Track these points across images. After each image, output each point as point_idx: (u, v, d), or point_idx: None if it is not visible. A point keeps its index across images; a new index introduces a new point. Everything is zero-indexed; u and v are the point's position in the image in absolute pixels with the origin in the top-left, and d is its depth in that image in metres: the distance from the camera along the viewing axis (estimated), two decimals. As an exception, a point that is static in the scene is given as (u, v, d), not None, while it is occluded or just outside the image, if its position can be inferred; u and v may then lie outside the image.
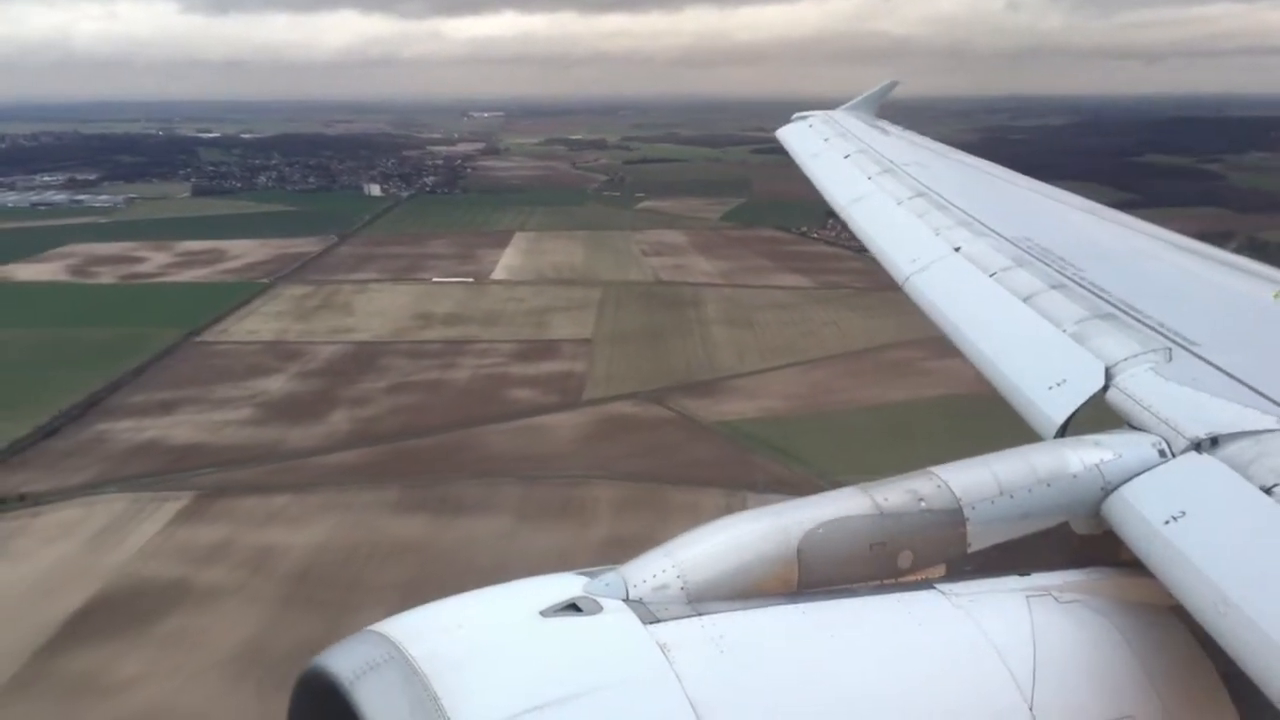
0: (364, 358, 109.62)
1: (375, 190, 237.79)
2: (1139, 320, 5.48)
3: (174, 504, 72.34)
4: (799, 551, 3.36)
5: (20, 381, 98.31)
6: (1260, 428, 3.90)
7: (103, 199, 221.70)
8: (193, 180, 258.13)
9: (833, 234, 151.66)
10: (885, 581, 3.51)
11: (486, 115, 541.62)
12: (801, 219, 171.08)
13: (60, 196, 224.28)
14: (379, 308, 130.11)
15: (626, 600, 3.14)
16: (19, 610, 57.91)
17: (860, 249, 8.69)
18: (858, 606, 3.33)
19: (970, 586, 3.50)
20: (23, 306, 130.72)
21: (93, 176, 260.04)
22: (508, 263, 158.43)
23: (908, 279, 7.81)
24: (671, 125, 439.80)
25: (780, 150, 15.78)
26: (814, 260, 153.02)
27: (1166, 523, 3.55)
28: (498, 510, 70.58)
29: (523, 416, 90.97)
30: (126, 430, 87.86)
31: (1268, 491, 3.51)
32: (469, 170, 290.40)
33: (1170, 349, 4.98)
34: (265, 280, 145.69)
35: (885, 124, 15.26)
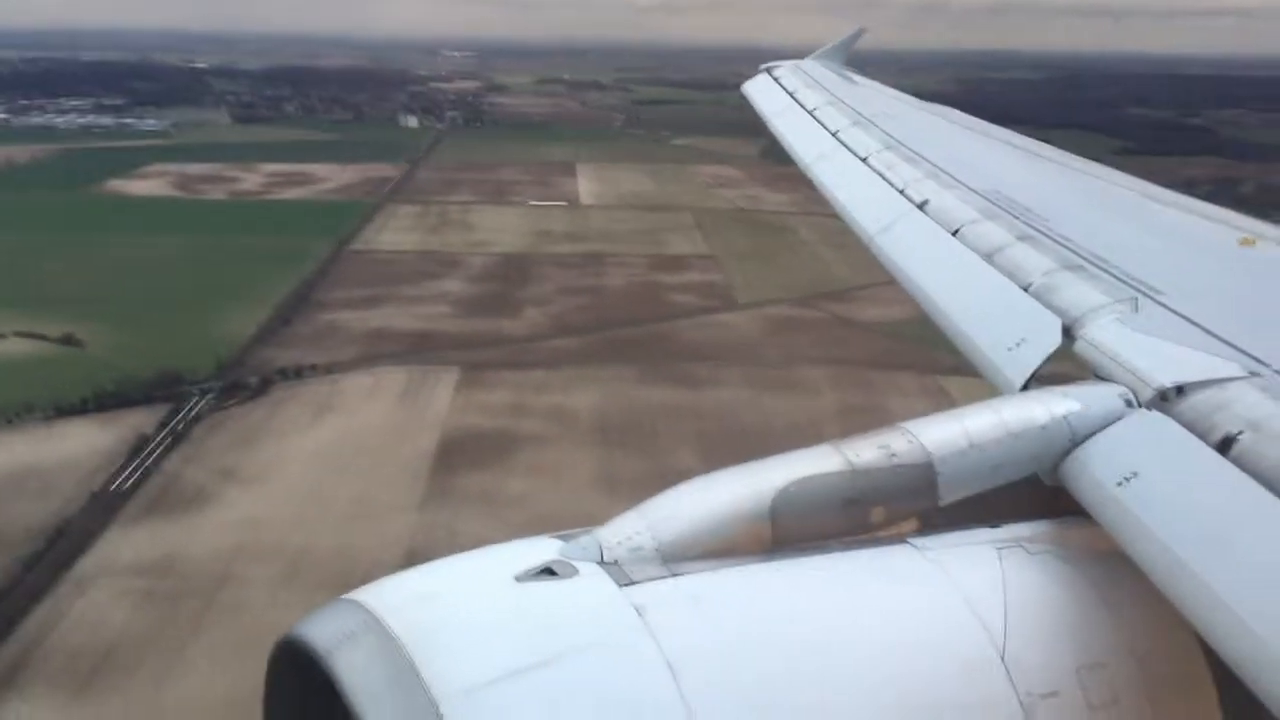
0: (516, 266, 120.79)
1: (412, 122, 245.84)
2: (1106, 271, 5.47)
3: (448, 375, 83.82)
4: (772, 509, 3.41)
5: (222, 277, 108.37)
6: (1223, 375, 3.98)
7: (149, 123, 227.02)
8: (224, 108, 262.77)
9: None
10: (859, 537, 3.56)
11: (459, 55, 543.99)
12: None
13: (107, 120, 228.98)
14: (497, 225, 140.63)
15: (601, 563, 3.17)
16: (388, 449, 69.60)
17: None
18: (831, 562, 3.40)
19: (942, 540, 3.57)
20: (159, 216, 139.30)
21: (119, 102, 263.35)
22: (588, 189, 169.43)
23: (872, 238, 7.76)
24: (649, 69, 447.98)
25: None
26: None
27: (1119, 484, 3.61)
28: (731, 385, 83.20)
29: (697, 315, 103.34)
30: (352, 320, 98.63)
31: (1223, 448, 3.59)
32: (485, 105, 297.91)
33: (1136, 299, 5.00)
34: (371, 200, 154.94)
35: (853, 74, 15.20)
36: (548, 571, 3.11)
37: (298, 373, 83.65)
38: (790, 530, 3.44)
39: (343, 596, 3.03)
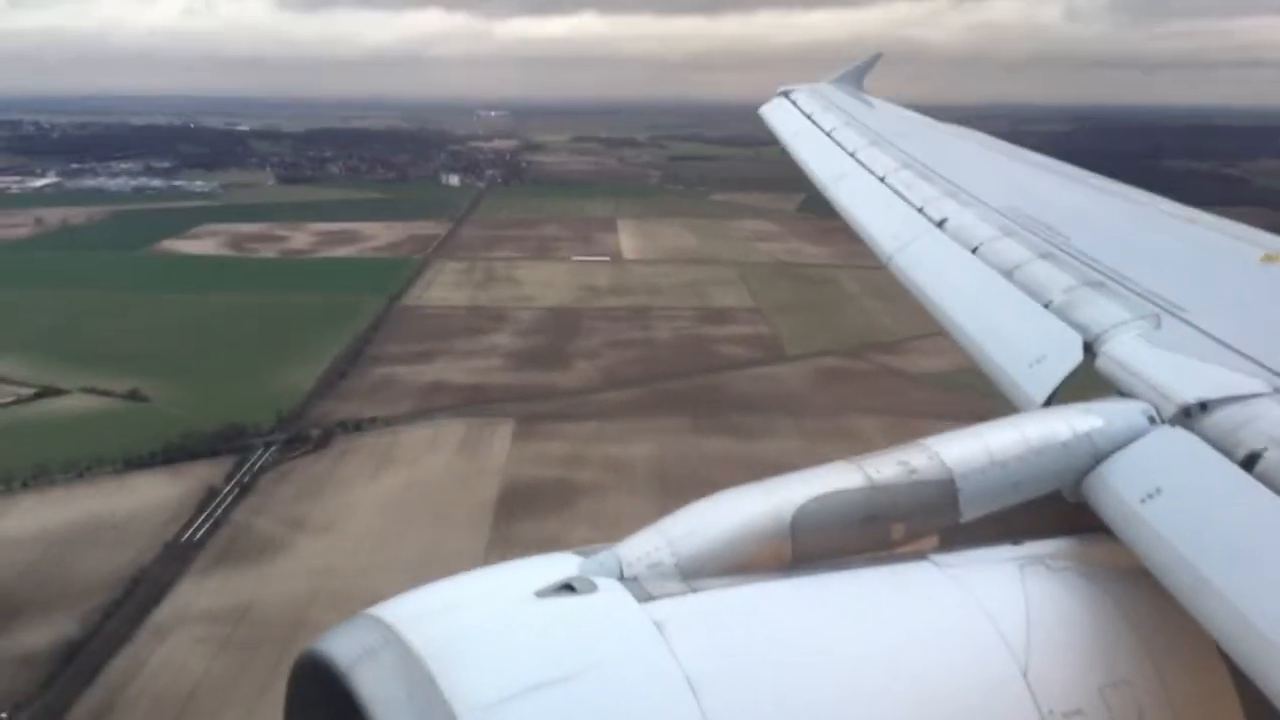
0: (563, 320, 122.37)
1: (454, 181, 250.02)
2: (1127, 288, 5.44)
3: (504, 427, 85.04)
4: (792, 526, 3.38)
5: (278, 333, 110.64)
6: (1247, 392, 3.95)
7: (198, 185, 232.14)
8: (269, 169, 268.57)
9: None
10: (879, 554, 3.54)
11: (494, 114, 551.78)
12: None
13: (157, 182, 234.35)
14: (542, 280, 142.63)
15: (621, 579, 3.15)
16: (451, 498, 70.66)
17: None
18: (851, 579, 3.38)
19: (963, 557, 3.55)
20: (213, 275, 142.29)
21: (167, 164, 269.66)
22: (630, 245, 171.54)
23: (891, 257, 7.71)
24: (682, 126, 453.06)
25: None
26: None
27: (1142, 501, 3.59)
28: (785, 435, 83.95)
29: (746, 367, 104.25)
30: (406, 374, 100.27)
31: (1248, 464, 3.55)
32: (523, 164, 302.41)
33: (1159, 315, 4.98)
34: (418, 257, 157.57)
35: (870, 97, 15.20)
36: (567, 587, 3.09)
37: (358, 425, 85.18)
38: (810, 547, 3.43)
39: (363, 612, 3.05)
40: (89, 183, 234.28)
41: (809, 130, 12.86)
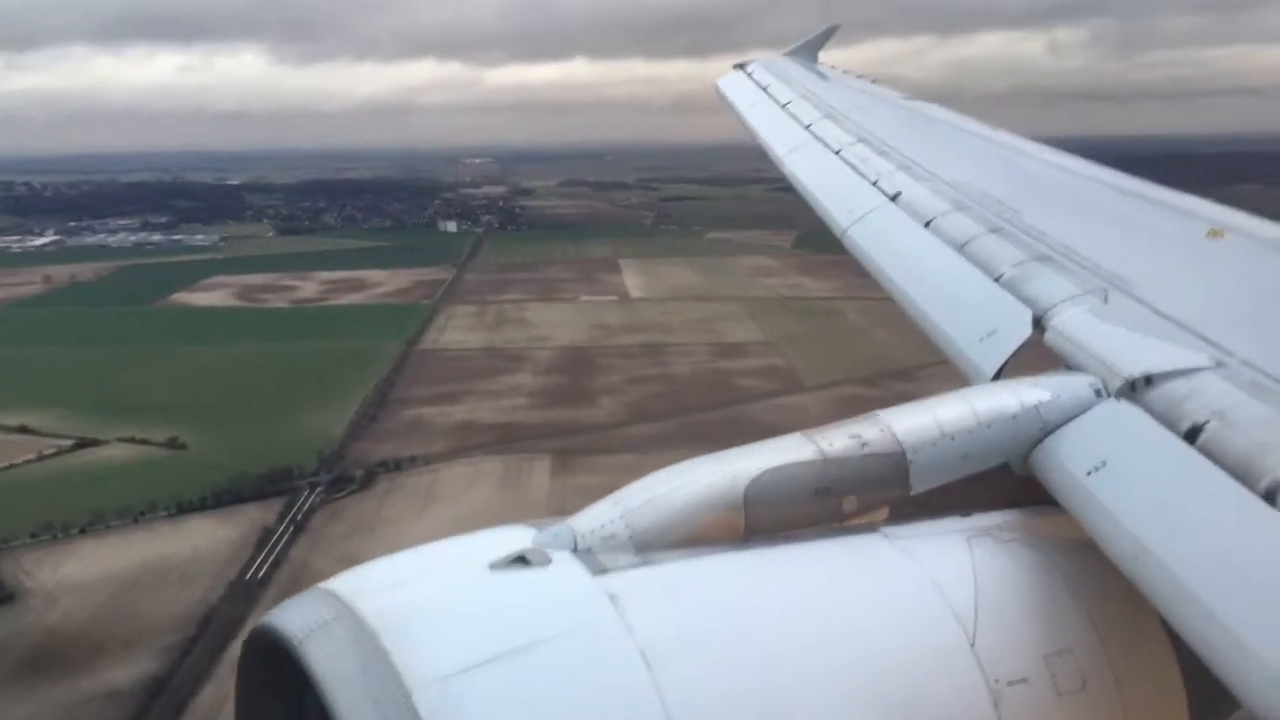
0: (580, 359, 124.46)
1: (451, 227, 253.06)
2: (1076, 262, 5.47)
3: (541, 463, 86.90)
4: (745, 498, 3.38)
5: (301, 379, 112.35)
6: (1191, 366, 3.96)
7: (198, 238, 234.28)
8: (266, 221, 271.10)
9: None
10: (831, 526, 3.56)
11: (479, 161, 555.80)
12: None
13: (157, 237, 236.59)
14: (554, 321, 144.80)
15: (575, 551, 3.17)
16: (500, 531, 72.14)
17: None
18: (803, 551, 3.40)
19: (913, 529, 3.59)
20: (228, 325, 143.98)
21: (163, 219, 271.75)
22: (635, 283, 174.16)
23: (845, 231, 7.64)
24: (669, 168, 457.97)
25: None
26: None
27: (1089, 473, 3.63)
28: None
29: (766, 398, 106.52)
30: (435, 415, 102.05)
31: (1190, 437, 3.57)
32: (517, 209, 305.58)
33: (1106, 290, 5.02)
34: (427, 302, 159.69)
35: (825, 69, 15.08)
36: (521, 560, 3.11)
37: (397, 465, 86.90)
38: (763, 519, 3.45)
39: (315, 585, 3.04)
40: (90, 240, 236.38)
41: (764, 102, 12.80)
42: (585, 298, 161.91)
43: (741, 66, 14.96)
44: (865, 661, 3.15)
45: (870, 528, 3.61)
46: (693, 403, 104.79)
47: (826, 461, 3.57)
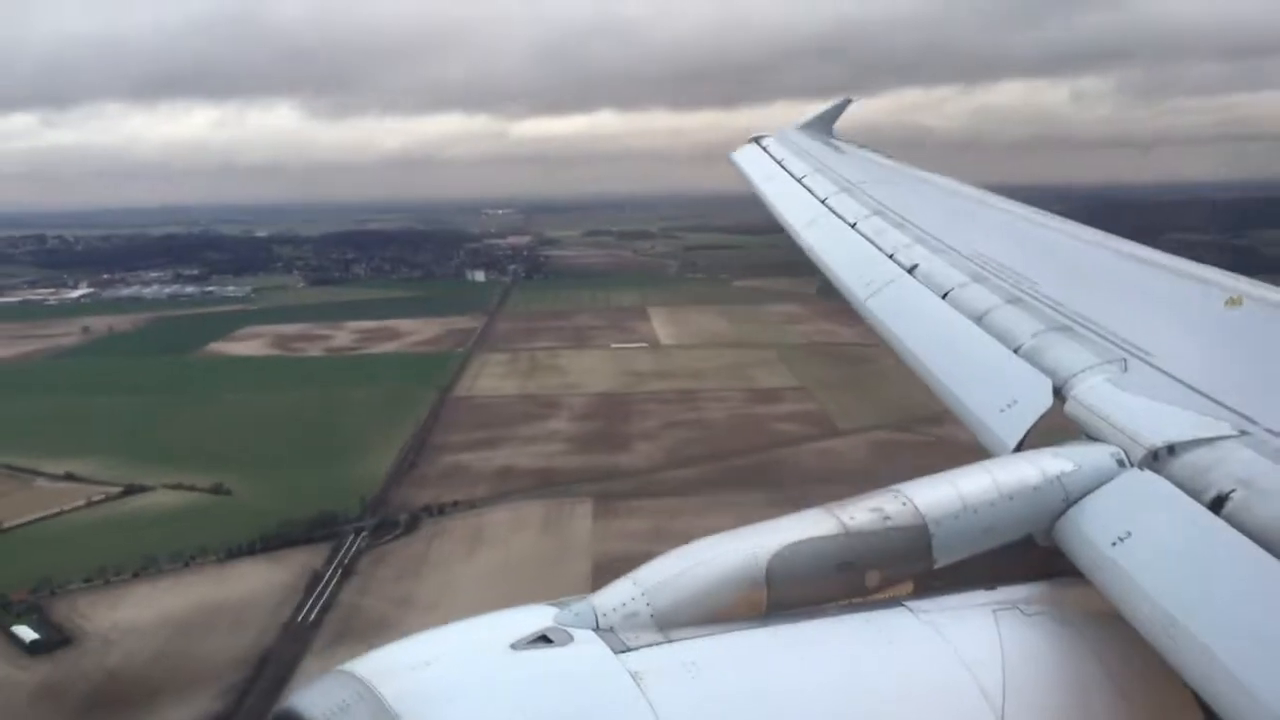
0: (615, 405, 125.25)
1: (480, 276, 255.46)
2: (1094, 332, 5.47)
3: (582, 507, 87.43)
4: (767, 574, 3.38)
5: (340, 427, 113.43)
6: (1214, 434, 3.93)
7: (230, 290, 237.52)
8: (296, 272, 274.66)
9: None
10: (854, 601, 3.53)
11: (502, 212, 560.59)
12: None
13: (190, 289, 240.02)
14: (586, 368, 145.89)
15: (597, 630, 3.15)
16: (547, 573, 72.68)
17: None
18: (826, 627, 3.38)
19: (938, 603, 3.55)
20: (265, 374, 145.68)
21: (195, 271, 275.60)
22: (665, 331, 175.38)
23: (863, 303, 7.83)
24: (691, 217, 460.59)
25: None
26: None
27: (1113, 544, 3.58)
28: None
29: (803, 443, 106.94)
30: (474, 460, 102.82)
31: (1216, 506, 3.52)
32: (542, 258, 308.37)
33: (1126, 359, 5.01)
34: (460, 350, 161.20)
35: (840, 142, 15.24)
36: (543, 639, 3.08)
37: (441, 509, 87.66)
38: (785, 595, 3.43)
39: (337, 667, 3.08)
40: (124, 292, 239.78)
41: (780, 176, 12.95)
42: (615, 345, 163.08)
43: (757, 140, 15.24)
44: None
45: (894, 602, 3.64)
46: (730, 447, 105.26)
47: (849, 536, 3.62)
